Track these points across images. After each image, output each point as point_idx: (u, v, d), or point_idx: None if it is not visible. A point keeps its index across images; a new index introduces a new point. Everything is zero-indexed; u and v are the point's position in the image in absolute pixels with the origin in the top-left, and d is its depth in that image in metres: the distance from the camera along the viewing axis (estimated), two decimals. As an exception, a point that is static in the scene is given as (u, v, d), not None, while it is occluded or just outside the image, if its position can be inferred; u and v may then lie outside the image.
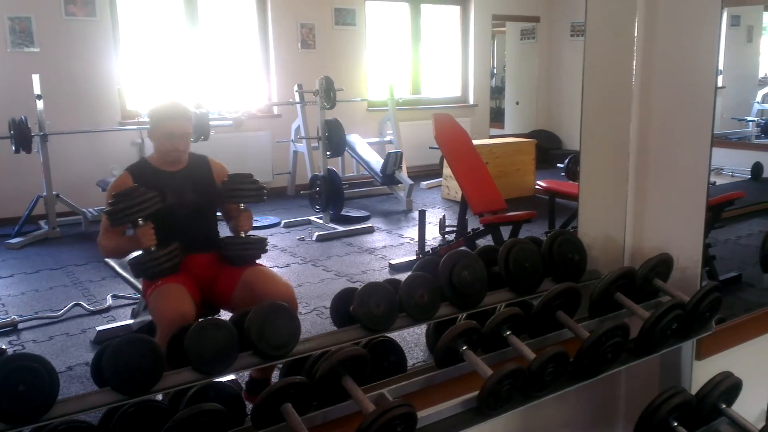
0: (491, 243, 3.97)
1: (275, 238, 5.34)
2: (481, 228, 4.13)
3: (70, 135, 5.63)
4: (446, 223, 4.72)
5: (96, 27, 6.16)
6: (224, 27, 7.13)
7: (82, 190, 5.78)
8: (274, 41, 7.21)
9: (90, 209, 5.65)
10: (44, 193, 5.30)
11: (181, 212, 2.50)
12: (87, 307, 3.66)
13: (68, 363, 3.04)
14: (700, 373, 1.72)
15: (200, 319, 2.32)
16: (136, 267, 2.38)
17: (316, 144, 5.88)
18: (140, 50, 6.62)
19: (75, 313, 3.65)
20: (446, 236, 4.72)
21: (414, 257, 4.52)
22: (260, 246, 2.57)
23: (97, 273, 4.34)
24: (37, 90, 5.14)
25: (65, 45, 6.02)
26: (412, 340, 3.09)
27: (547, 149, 8.78)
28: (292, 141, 6.69)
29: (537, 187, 6.30)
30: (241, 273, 2.46)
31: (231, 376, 2.48)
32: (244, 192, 2.59)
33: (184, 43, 6.80)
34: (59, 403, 1.12)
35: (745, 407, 1.74)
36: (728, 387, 1.65)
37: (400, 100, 7.51)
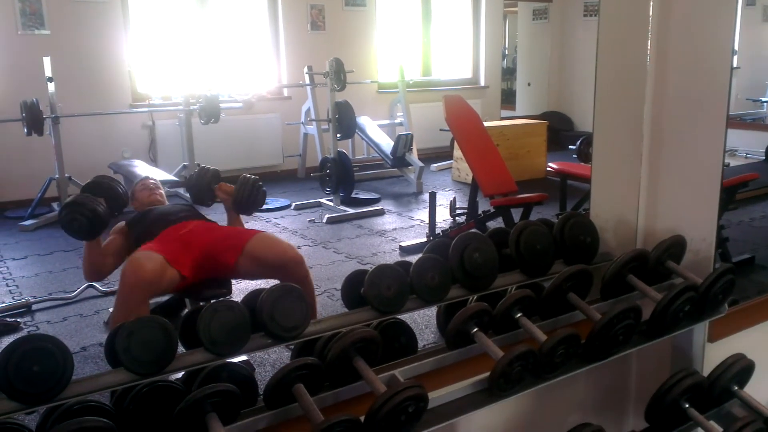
0: (502, 225, 3.96)
1: (286, 221, 5.36)
2: (492, 210, 4.12)
3: (81, 117, 5.66)
4: (457, 206, 4.71)
5: (106, 9, 6.15)
6: (234, 8, 7.10)
7: (94, 172, 5.69)
8: (283, 23, 7.18)
9: (102, 192, 5.67)
10: (56, 176, 5.33)
11: (174, 208, 2.78)
12: (100, 288, 3.70)
13: (82, 344, 3.08)
14: (712, 355, 1.71)
15: (209, 298, 2.37)
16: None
17: (326, 126, 5.87)
18: (150, 32, 6.61)
19: (88, 294, 3.69)
20: (457, 218, 4.72)
21: (424, 239, 4.52)
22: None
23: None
24: (48, 72, 5.15)
25: (76, 27, 6.02)
26: (422, 321, 3.10)
27: (559, 131, 8.72)
28: (302, 123, 6.68)
29: (548, 169, 6.27)
30: (243, 243, 2.50)
31: (243, 357, 2.51)
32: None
33: (194, 25, 6.78)
34: (73, 384, 1.13)
35: (758, 389, 1.73)
36: (740, 369, 1.64)
37: (411, 82, 7.47)
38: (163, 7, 6.68)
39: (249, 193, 2.78)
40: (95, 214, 2.38)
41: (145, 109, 6.28)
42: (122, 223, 2.80)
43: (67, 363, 1.11)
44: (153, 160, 6.37)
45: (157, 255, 2.36)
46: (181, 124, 6.08)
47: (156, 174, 5.43)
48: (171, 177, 5.67)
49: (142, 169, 5.57)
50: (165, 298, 2.72)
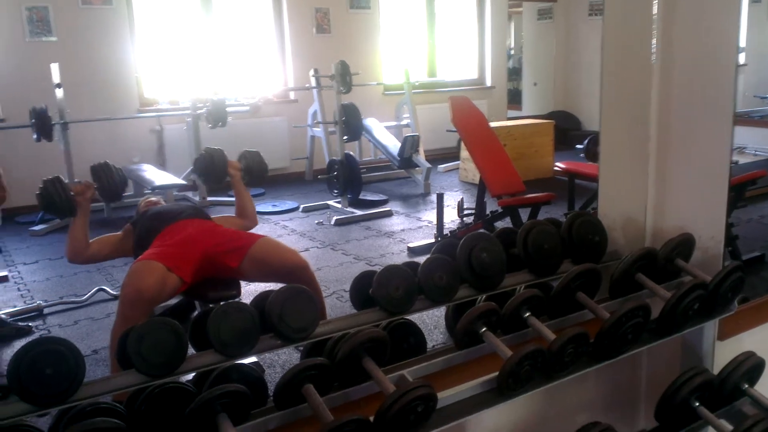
0: (510, 225, 3.95)
1: (294, 223, 5.37)
2: (500, 210, 4.12)
3: (89, 123, 5.70)
4: (464, 206, 4.71)
5: (112, 15, 6.19)
6: (239, 12, 7.13)
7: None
8: (289, 26, 7.20)
9: (111, 196, 5.70)
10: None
11: (174, 207, 2.87)
12: (111, 291, 3.72)
13: (93, 347, 3.10)
14: (722, 353, 1.71)
15: (217, 301, 2.39)
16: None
17: (333, 128, 5.89)
18: (157, 38, 6.65)
19: (99, 297, 3.71)
20: (464, 219, 4.71)
21: (432, 240, 4.52)
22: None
23: (120, 259, 4.40)
24: (56, 79, 5.19)
25: (82, 34, 6.06)
26: (431, 322, 3.11)
27: (566, 130, 8.70)
28: (309, 126, 6.70)
29: (556, 168, 6.26)
30: (247, 247, 2.52)
31: (253, 359, 2.52)
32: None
33: (200, 30, 6.82)
34: (85, 386, 1.14)
35: (768, 387, 1.72)
36: (751, 367, 1.64)
37: (417, 84, 7.48)
38: (168, 11, 6.72)
39: (258, 160, 3.05)
40: (60, 196, 2.63)
41: (153, 114, 6.31)
42: (128, 224, 2.83)
43: (79, 365, 1.13)
44: (162, 165, 6.41)
45: (157, 264, 2.36)
46: (189, 129, 6.12)
47: (165, 178, 5.47)
48: (180, 181, 5.70)
49: (151, 173, 5.60)
50: (174, 300, 2.73)
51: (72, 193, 2.62)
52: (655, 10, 1.70)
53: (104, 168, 2.79)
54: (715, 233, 1.70)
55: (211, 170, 2.99)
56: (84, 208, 2.67)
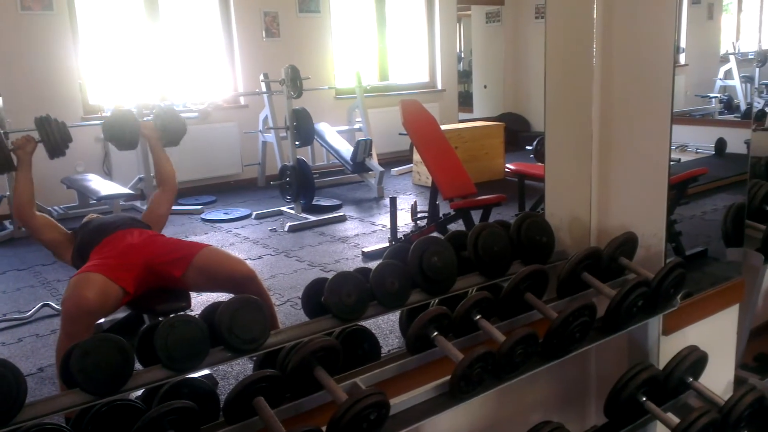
0: (463, 228, 3.99)
1: (246, 230, 5.31)
2: (452, 213, 4.15)
3: (31, 132, 5.50)
4: (418, 209, 4.73)
5: (53, 21, 6.01)
6: (186, 17, 7.02)
7: (47, 188, 5.63)
8: (237, 30, 7.12)
9: (56, 207, 5.55)
10: (8, 193, 5.18)
11: (114, 218, 2.81)
12: (56, 307, 3.60)
13: (39, 364, 3.00)
14: (667, 347, 1.76)
15: (168, 314, 2.35)
16: None
17: (285, 134, 5.84)
18: (101, 44, 6.49)
19: (44, 313, 3.59)
20: (418, 222, 4.73)
21: (387, 244, 4.53)
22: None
23: (65, 272, 4.26)
24: (-6, 87, 5.01)
25: (22, 40, 5.87)
26: (387, 327, 3.11)
27: (516, 132, 8.83)
28: (260, 131, 6.63)
29: (507, 170, 6.35)
30: (191, 257, 2.47)
31: (206, 371, 2.48)
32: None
33: (146, 35, 6.68)
34: (28, 407, 1.10)
35: (712, 380, 1.78)
36: (694, 361, 1.69)
37: (368, 87, 7.48)
38: (112, 17, 6.56)
39: (172, 116, 3.01)
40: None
41: (98, 122, 6.14)
42: (71, 231, 2.78)
43: (20, 385, 1.09)
44: (107, 174, 6.24)
45: (97, 276, 2.30)
46: (136, 136, 5.98)
47: (111, 188, 5.33)
48: (126, 190, 5.56)
49: (96, 183, 5.46)
50: (121, 314, 2.67)
51: (12, 148, 2.64)
52: (595, 14, 1.74)
53: (46, 120, 2.75)
54: (656, 231, 1.75)
55: (120, 134, 2.91)
56: (24, 162, 2.77)
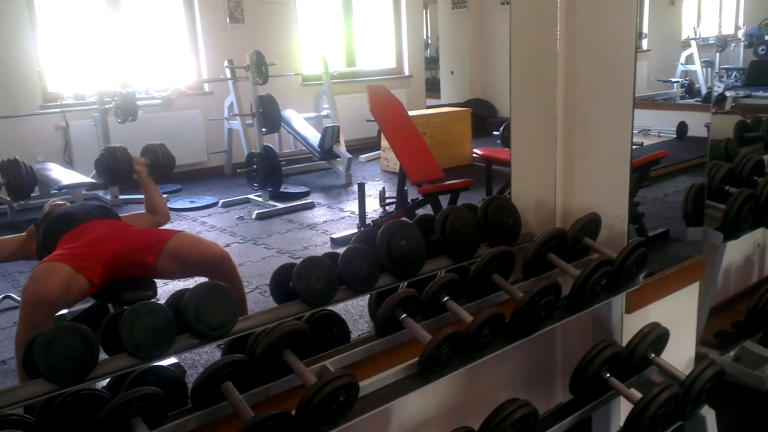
0: (431, 212, 4.01)
1: (213, 219, 5.25)
2: (421, 198, 4.16)
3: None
4: (386, 195, 4.73)
5: (10, 6, 5.83)
6: (148, 1, 6.86)
7: (6, 178, 5.52)
8: (200, 16, 6.99)
9: (15, 198, 5.39)
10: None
11: (81, 208, 2.75)
12: (17, 298, 3.53)
13: (1, 357, 2.94)
14: (630, 325, 1.80)
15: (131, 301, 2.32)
16: None
17: (251, 121, 5.78)
18: (60, 30, 6.31)
19: (6, 305, 3.52)
20: (387, 208, 4.74)
21: (355, 230, 4.53)
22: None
23: (26, 264, 4.14)
24: (-52, 75, 4.85)
25: (-24, 26, 5.69)
26: (356, 312, 3.12)
27: (483, 117, 8.87)
28: (226, 119, 6.54)
29: (474, 155, 6.38)
30: (162, 243, 2.44)
31: (173, 359, 2.46)
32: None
33: (106, 20, 6.52)
34: (-11, 399, 1.08)
35: (673, 355, 1.83)
36: (656, 337, 1.73)
37: (335, 74, 7.43)
38: (72, 2, 6.39)
39: (164, 153, 2.99)
40: None
41: (57, 110, 6.00)
42: (32, 226, 2.69)
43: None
44: (69, 163, 6.10)
45: (62, 265, 2.25)
46: (97, 124, 5.84)
47: (72, 177, 5.22)
48: (88, 179, 5.44)
49: (57, 173, 5.33)
50: (85, 305, 2.63)
51: None
52: (558, 0, 1.76)
53: (13, 164, 2.67)
54: (619, 212, 1.79)
55: (116, 171, 2.86)
56: None
